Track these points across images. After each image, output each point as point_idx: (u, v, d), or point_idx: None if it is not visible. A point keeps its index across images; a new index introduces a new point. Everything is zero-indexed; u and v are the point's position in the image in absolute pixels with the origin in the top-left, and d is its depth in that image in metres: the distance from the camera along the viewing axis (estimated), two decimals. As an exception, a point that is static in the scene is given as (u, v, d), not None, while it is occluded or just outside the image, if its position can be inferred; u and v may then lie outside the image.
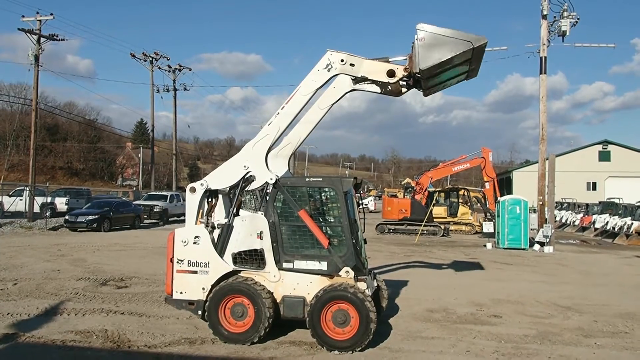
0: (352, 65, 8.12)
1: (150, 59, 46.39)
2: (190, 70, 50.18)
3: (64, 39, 32.27)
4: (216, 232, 8.21)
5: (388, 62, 8.35)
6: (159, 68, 47.58)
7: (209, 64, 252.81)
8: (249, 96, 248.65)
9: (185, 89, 49.37)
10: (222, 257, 8.04)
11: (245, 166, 8.20)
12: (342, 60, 8.07)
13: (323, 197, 8.31)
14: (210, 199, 8.49)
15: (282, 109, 8.23)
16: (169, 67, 48.40)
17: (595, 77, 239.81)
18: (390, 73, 8.17)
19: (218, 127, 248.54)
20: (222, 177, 8.38)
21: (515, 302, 11.27)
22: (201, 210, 8.52)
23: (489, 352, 7.76)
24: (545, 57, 25.01)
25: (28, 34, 30.63)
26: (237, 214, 8.34)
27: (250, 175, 8.23)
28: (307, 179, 8.53)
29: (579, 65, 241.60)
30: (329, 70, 8.08)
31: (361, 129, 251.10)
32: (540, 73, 25.15)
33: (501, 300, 11.47)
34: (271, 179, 8.08)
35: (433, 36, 7.85)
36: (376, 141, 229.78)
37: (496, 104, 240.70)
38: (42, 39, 31.13)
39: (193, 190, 8.33)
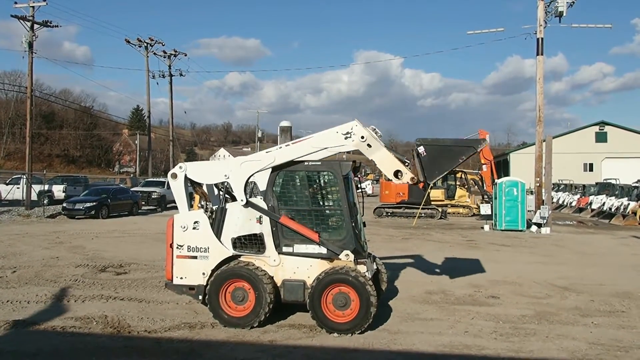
0: (369, 145, 7.88)
1: (145, 44, 46.05)
2: (185, 55, 49.98)
3: (57, 26, 32.03)
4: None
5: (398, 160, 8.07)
6: (154, 54, 47.30)
7: (207, 49, 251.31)
8: (247, 81, 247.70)
9: (181, 75, 49.16)
10: (220, 242, 8.06)
11: (226, 175, 8.16)
12: (362, 137, 7.82)
13: (322, 181, 8.32)
14: (195, 186, 8.56)
15: (286, 145, 8.10)
16: (164, 52, 48.12)
17: (596, 58, 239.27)
18: (397, 173, 7.95)
19: (215, 112, 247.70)
20: (202, 172, 8.41)
21: (513, 283, 11.35)
22: (198, 196, 8.54)
23: (487, 333, 7.83)
24: (542, 39, 24.91)
25: (21, 21, 30.34)
26: (234, 199, 8.34)
27: (227, 184, 8.23)
28: (305, 163, 8.53)
29: (579, 46, 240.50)
30: (345, 139, 7.86)
31: (359, 112, 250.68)
32: (537, 54, 25.06)
33: (499, 281, 11.54)
34: (241, 200, 8.04)
35: (435, 149, 7.78)
36: (374, 125, 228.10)
37: (495, 86, 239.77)
38: (35, 26, 30.83)
39: (174, 176, 8.35)
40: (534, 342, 7.42)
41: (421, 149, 7.65)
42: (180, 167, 8.37)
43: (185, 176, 8.33)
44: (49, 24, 31.43)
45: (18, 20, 30.24)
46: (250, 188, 8.81)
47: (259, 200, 8.08)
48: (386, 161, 8.00)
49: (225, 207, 8.15)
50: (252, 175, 8.11)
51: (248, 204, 8.03)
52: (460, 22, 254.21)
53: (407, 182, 7.90)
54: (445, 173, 7.85)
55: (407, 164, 8.04)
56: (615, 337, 7.67)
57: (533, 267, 13.47)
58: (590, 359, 6.81)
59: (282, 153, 8.02)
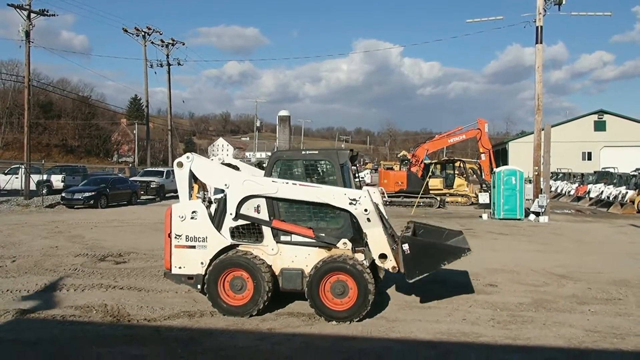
0: (368, 220, 7.77)
1: (143, 33, 45.82)
2: (183, 44, 49.72)
3: (54, 14, 31.81)
4: (213, 207, 8.23)
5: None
6: (152, 43, 47.04)
7: (206, 38, 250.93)
8: (245, 70, 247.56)
9: (179, 64, 48.97)
10: (219, 232, 8.08)
11: (226, 185, 8.11)
12: (365, 210, 7.71)
13: (320, 170, 8.32)
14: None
15: (294, 184, 7.94)
16: (162, 41, 47.87)
17: (596, 47, 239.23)
18: (382, 256, 7.89)
19: (214, 102, 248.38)
20: (205, 171, 8.34)
21: (511, 271, 11.39)
22: (197, 185, 8.54)
23: (484, 320, 7.88)
24: (541, 27, 24.78)
25: (18, 10, 30.14)
26: None
27: (223, 198, 8.19)
28: (303, 152, 8.55)
29: (579, 34, 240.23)
30: (350, 204, 7.76)
31: (358, 102, 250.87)
32: (536, 43, 24.95)
33: (497, 269, 11.59)
34: (231, 214, 8.05)
35: (420, 249, 7.68)
36: (373, 114, 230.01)
37: (495, 75, 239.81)
38: (32, 15, 30.65)
39: (180, 165, 8.32)
40: (531, 330, 7.47)
41: (405, 247, 7.60)
42: (188, 158, 8.35)
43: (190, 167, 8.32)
44: (45, 12, 31.24)
45: (15, 9, 30.02)
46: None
47: (260, 191, 8.06)
48: (378, 241, 7.85)
49: (226, 199, 8.15)
50: (249, 196, 8.06)
51: (237, 217, 8.06)
52: (459, 10, 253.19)
53: (388, 268, 7.87)
54: (427, 273, 7.75)
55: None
56: (612, 325, 7.72)
57: (531, 256, 13.52)
58: (587, 346, 6.86)
59: (286, 189, 7.91)
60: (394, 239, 8.15)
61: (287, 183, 7.93)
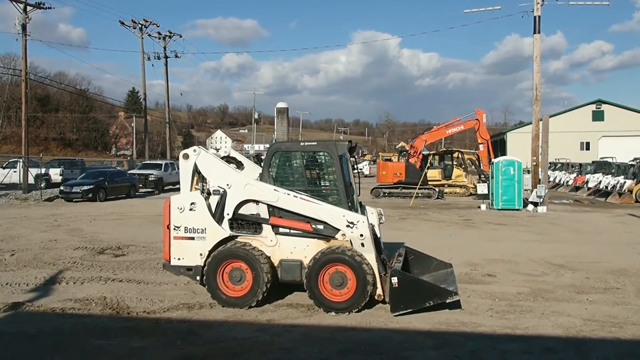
0: (362, 245, 7.78)
1: (140, 26, 45.65)
2: (180, 36, 49.53)
3: (50, 7, 31.64)
4: (212, 198, 8.22)
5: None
6: (149, 35, 46.88)
7: (204, 30, 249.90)
8: (244, 63, 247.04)
9: (176, 57, 48.83)
10: (220, 224, 8.09)
11: (228, 185, 8.11)
12: (361, 235, 7.73)
13: (318, 161, 8.32)
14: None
15: (294, 197, 7.91)
16: (159, 34, 47.68)
17: (595, 36, 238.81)
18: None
19: (212, 94, 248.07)
20: (209, 167, 8.32)
21: (509, 262, 11.42)
22: (196, 177, 8.53)
23: (483, 310, 7.90)
24: (539, 16, 24.70)
25: (14, 3, 29.97)
26: None
27: (224, 192, 8.16)
28: (301, 143, 8.53)
29: (578, 24, 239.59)
30: (346, 227, 7.78)
31: (356, 93, 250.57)
32: (534, 33, 24.89)
33: (495, 259, 11.61)
34: (227, 214, 8.07)
35: (408, 285, 7.58)
36: (372, 106, 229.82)
37: (494, 65, 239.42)
38: (28, 8, 30.49)
39: (186, 157, 8.33)
40: (530, 319, 7.49)
41: (394, 280, 7.58)
42: (195, 151, 8.35)
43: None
44: (42, 5, 31.05)
45: (11, 2, 29.85)
46: None
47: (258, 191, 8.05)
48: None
49: (227, 192, 8.14)
50: (248, 199, 8.07)
51: (234, 216, 8.08)
52: (457, 0, 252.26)
53: (374, 296, 7.80)
54: (411, 310, 7.66)
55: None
56: (610, 314, 7.75)
57: (529, 246, 13.55)
58: (585, 335, 6.89)
59: (286, 200, 7.92)
60: (384, 265, 8.14)
61: (289, 194, 7.92)
